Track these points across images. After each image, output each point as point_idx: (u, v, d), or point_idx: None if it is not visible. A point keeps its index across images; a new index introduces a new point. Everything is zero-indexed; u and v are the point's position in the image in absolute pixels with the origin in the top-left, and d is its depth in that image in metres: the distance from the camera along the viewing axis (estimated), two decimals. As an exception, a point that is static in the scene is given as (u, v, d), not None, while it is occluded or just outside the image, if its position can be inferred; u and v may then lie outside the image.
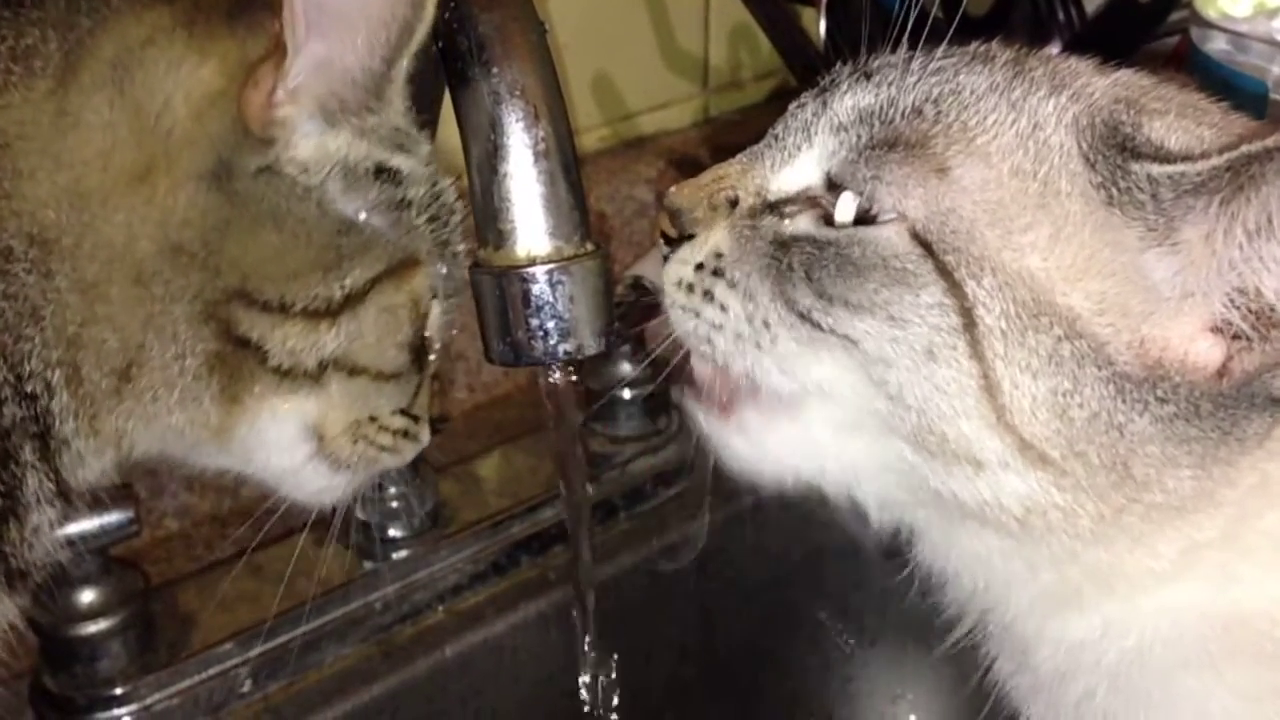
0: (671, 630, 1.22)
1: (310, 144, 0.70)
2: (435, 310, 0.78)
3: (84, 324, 0.67)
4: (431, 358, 0.80)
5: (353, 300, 0.73)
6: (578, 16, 1.32)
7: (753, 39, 1.47)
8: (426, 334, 0.79)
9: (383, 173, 0.72)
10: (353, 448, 0.79)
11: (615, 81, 1.40)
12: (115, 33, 0.67)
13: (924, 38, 0.71)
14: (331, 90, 0.69)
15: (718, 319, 0.69)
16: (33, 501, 0.69)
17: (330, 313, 0.72)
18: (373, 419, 0.79)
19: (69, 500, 0.72)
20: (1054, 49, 0.76)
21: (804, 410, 0.69)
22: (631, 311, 0.96)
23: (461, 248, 0.78)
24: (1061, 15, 1.24)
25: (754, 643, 1.25)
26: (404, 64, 0.71)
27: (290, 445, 0.78)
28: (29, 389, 0.66)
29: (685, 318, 0.71)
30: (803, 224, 0.68)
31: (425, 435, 0.82)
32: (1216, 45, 1.15)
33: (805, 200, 0.69)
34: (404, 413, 0.80)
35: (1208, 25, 1.16)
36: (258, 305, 0.70)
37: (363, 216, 0.72)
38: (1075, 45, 0.71)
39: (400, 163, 0.73)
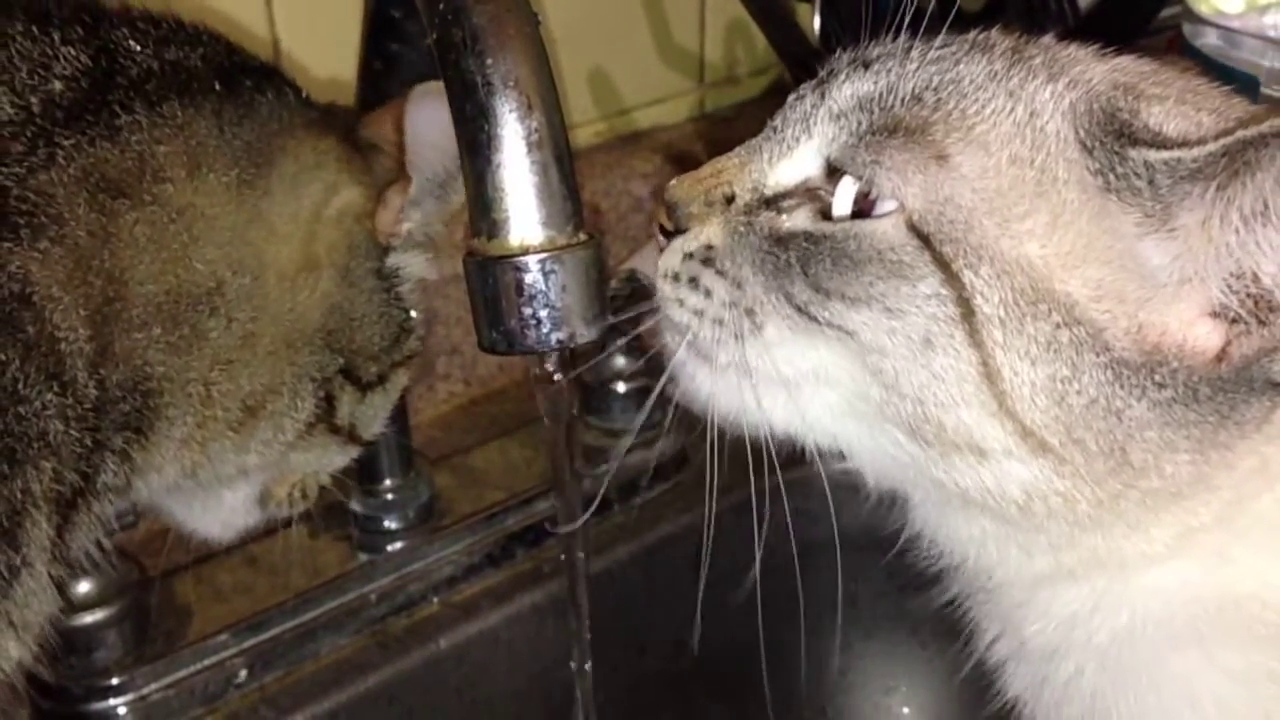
0: (667, 622, 1.22)
1: (401, 256, 0.87)
2: None
3: (232, 361, 0.79)
4: None
5: (383, 378, 0.89)
6: (574, 11, 1.32)
7: (748, 34, 1.47)
8: None
9: (409, 281, 0.89)
10: (286, 495, 0.91)
11: (611, 76, 1.40)
12: (294, 153, 0.82)
13: (920, 31, 0.72)
14: (425, 202, 0.86)
15: (699, 305, 0.70)
16: (101, 490, 0.75)
17: (370, 385, 0.88)
18: (315, 474, 0.92)
19: (119, 500, 0.78)
20: (1049, 42, 0.77)
21: (798, 393, 0.69)
22: (626, 305, 0.96)
23: None
24: (1055, 10, 1.24)
25: (749, 635, 1.25)
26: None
27: (251, 494, 0.91)
28: (147, 386, 0.75)
29: (670, 306, 0.71)
30: (800, 219, 0.68)
31: None
32: (1208, 41, 1.16)
33: (804, 193, 0.70)
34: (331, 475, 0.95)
35: (1200, 21, 1.17)
36: (349, 378, 0.86)
37: (414, 314, 0.89)
38: (1068, 40, 0.72)
39: (414, 273, 0.90)
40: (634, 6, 1.40)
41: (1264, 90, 1.09)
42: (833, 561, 1.26)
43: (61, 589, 0.74)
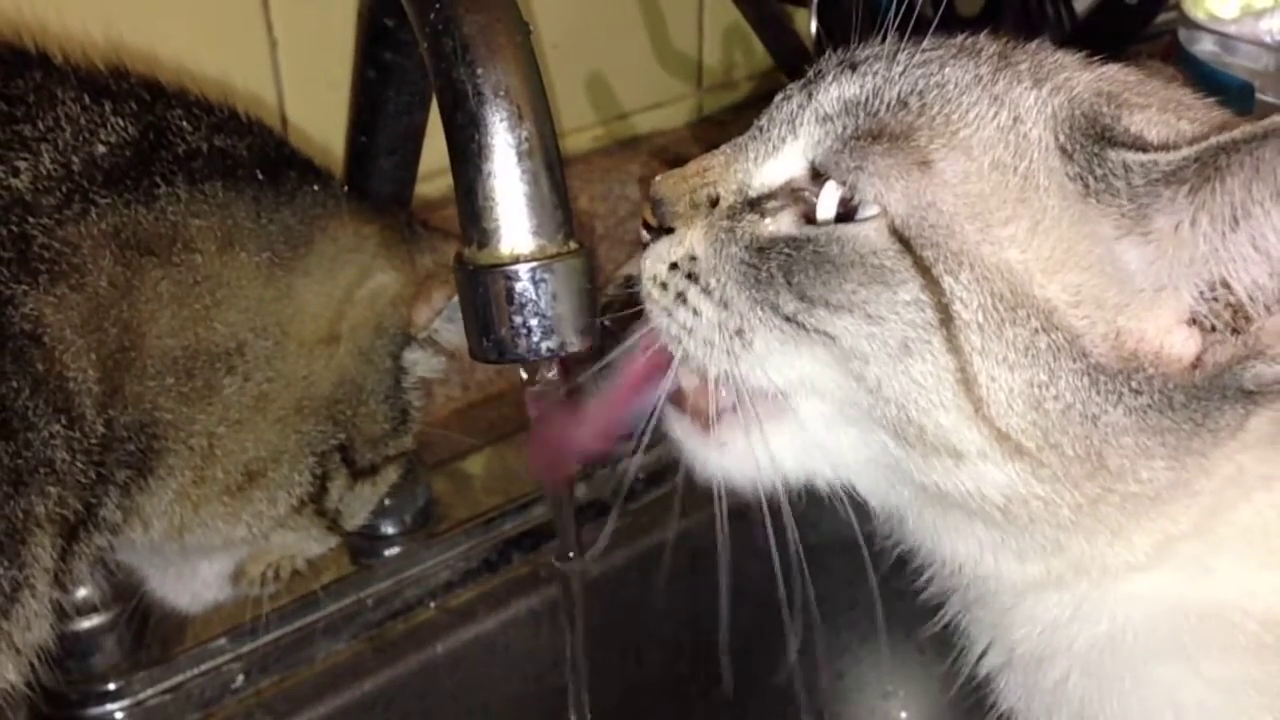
0: (663, 627, 1.22)
1: (418, 352, 0.91)
2: None
3: (241, 422, 0.81)
4: None
5: (375, 469, 0.91)
6: (572, 16, 1.32)
7: (746, 39, 1.47)
8: None
9: (414, 379, 0.93)
10: (259, 574, 0.93)
11: (609, 81, 1.40)
12: (334, 235, 0.86)
13: (915, 35, 0.72)
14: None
15: (689, 322, 0.70)
16: (102, 523, 0.77)
17: (362, 474, 0.90)
18: (292, 557, 0.95)
19: (114, 537, 0.80)
20: (1044, 47, 0.77)
21: (792, 406, 0.69)
22: (623, 310, 0.96)
23: None
24: (1052, 15, 1.24)
25: (746, 639, 1.25)
26: None
27: (226, 569, 0.93)
28: (153, 430, 0.78)
29: (659, 314, 0.72)
30: (783, 222, 0.69)
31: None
32: (1204, 46, 1.16)
33: (788, 194, 0.70)
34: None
35: (1195, 26, 1.17)
36: (345, 459, 0.88)
37: (414, 409, 0.92)
38: (1065, 45, 0.72)
39: (421, 372, 0.93)
40: (632, 11, 1.40)
41: (1259, 96, 1.09)
42: (831, 566, 1.26)
43: (59, 615, 0.76)
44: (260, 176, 0.83)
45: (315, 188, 0.86)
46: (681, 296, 0.70)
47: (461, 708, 1.10)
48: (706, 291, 0.69)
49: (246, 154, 0.83)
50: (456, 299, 0.85)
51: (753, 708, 1.28)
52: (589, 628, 1.02)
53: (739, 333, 0.68)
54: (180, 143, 0.80)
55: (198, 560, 0.91)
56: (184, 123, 0.81)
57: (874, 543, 0.79)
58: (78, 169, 0.75)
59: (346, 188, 0.92)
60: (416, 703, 1.07)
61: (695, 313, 0.70)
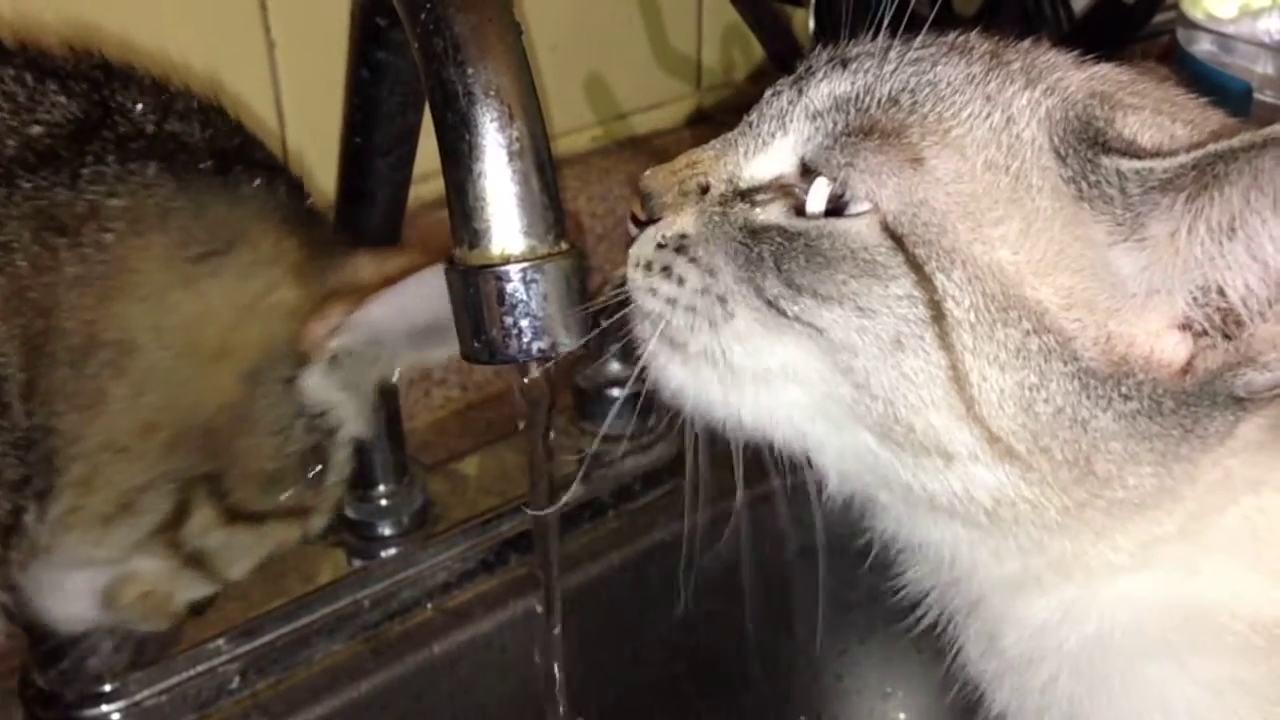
0: (660, 628, 1.22)
1: (328, 389, 0.85)
2: None
3: (127, 449, 0.78)
4: None
5: (258, 517, 0.86)
6: (570, 17, 1.33)
7: (745, 39, 1.47)
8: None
9: (343, 433, 0.88)
10: (133, 600, 0.89)
11: (608, 81, 1.40)
12: (254, 244, 0.82)
13: (907, 33, 0.72)
14: (369, 338, 0.84)
15: (672, 293, 0.69)
16: (26, 529, 0.76)
17: (238, 518, 0.84)
18: (168, 595, 0.90)
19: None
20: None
21: (768, 388, 0.68)
22: (621, 311, 0.96)
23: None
24: (1050, 15, 1.24)
25: (743, 640, 1.25)
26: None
27: (92, 586, 0.88)
28: (50, 442, 0.75)
29: (644, 297, 0.71)
30: (774, 213, 0.68)
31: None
32: (1202, 46, 1.15)
33: (778, 188, 0.69)
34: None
35: (1193, 26, 1.17)
36: (212, 491, 0.83)
37: (333, 462, 0.87)
38: (1062, 45, 0.72)
39: (351, 430, 0.89)
40: (630, 11, 1.41)
41: (1257, 96, 1.08)
42: (829, 567, 1.26)
43: (9, 616, 0.76)
44: (203, 166, 0.81)
45: (257, 185, 0.83)
46: (667, 269, 0.69)
47: (458, 708, 1.10)
48: (694, 260, 0.69)
49: (202, 143, 0.81)
50: (356, 317, 0.82)
51: (751, 708, 1.28)
52: (586, 627, 1.02)
53: (721, 299, 0.67)
54: (125, 123, 0.79)
55: (62, 571, 0.86)
56: (137, 105, 0.80)
57: (871, 544, 0.79)
58: (13, 152, 0.74)
59: (336, 191, 0.90)
60: (413, 704, 1.07)
61: (680, 281, 0.69)
